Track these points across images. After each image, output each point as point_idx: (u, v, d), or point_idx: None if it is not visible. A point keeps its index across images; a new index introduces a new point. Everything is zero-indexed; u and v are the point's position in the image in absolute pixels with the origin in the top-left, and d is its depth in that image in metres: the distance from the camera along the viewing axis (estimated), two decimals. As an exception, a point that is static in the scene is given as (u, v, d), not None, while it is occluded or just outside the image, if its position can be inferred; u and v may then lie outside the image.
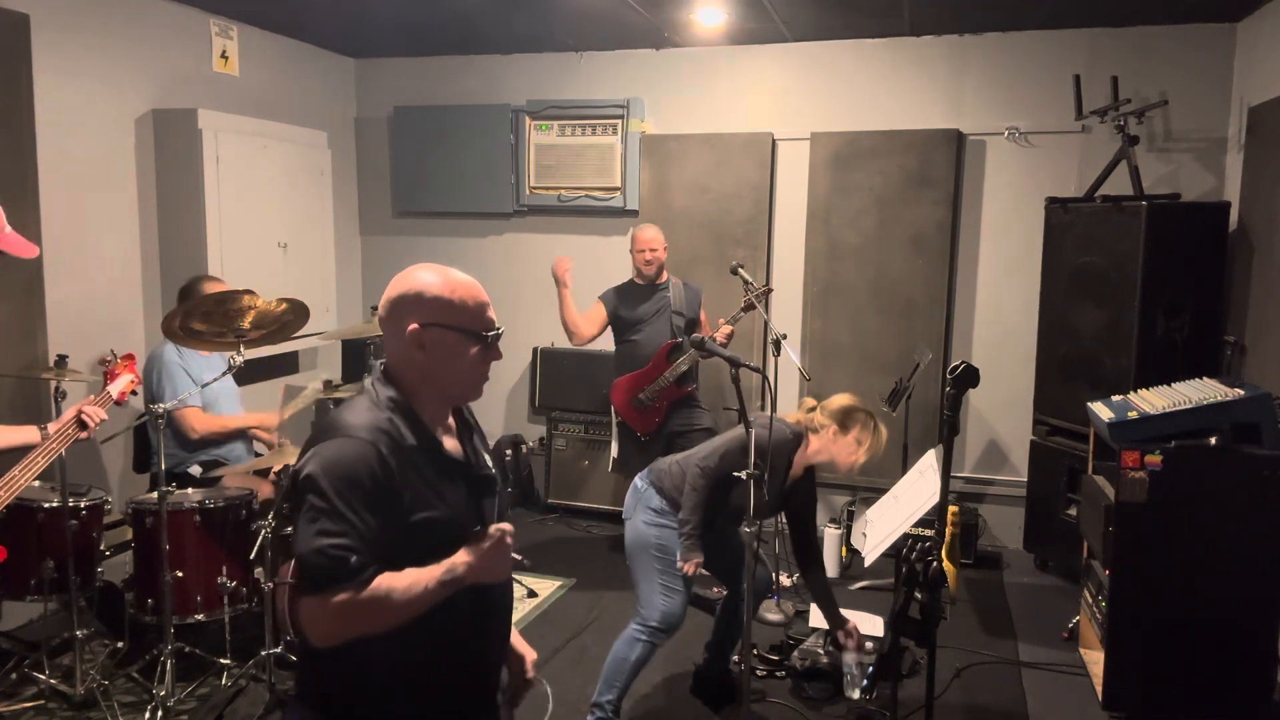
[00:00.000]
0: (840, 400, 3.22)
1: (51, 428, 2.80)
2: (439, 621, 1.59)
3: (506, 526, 1.63)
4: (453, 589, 1.57)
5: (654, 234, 4.69)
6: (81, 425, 2.93)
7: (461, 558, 1.58)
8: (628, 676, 3.04)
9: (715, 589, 4.44)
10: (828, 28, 5.07)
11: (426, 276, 1.69)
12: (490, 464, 1.83)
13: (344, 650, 1.56)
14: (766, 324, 4.49)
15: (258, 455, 4.08)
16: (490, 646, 1.76)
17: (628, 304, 4.72)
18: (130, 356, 3.17)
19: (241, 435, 4.02)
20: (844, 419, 3.15)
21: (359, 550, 1.52)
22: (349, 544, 1.52)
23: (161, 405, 3.22)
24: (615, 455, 4.98)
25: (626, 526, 3.19)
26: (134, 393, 3.16)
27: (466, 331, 1.68)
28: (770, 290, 4.61)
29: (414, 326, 1.65)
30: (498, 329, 1.72)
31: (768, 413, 3.21)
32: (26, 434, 2.78)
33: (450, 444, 1.73)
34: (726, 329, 4.40)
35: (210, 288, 3.72)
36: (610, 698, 3.04)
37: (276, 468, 3.78)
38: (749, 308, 4.43)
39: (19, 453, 2.88)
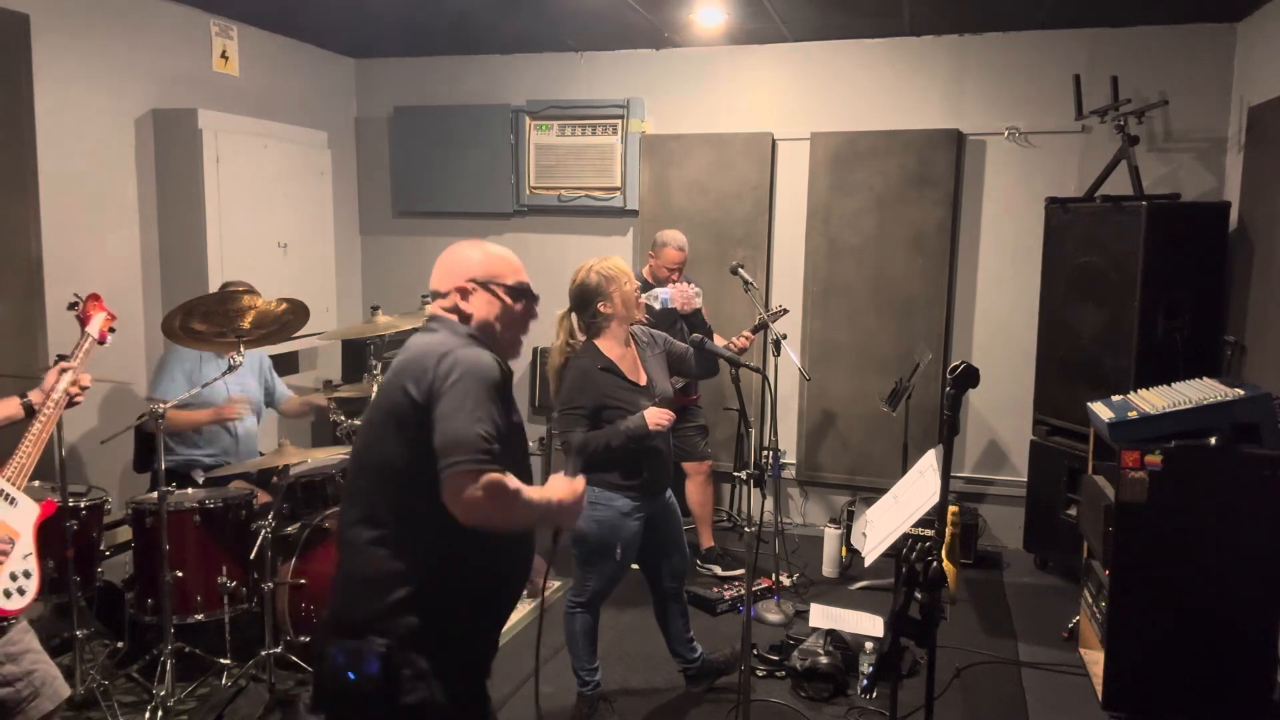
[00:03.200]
0: (571, 301, 3.21)
1: (35, 396, 2.73)
2: (495, 562, 1.91)
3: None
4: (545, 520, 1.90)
5: (684, 248, 4.60)
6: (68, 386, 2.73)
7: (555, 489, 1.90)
8: (581, 646, 3.29)
9: (715, 589, 4.45)
10: (828, 28, 5.07)
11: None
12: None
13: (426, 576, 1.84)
14: (767, 324, 4.49)
15: (261, 454, 4.08)
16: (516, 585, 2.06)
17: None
18: (96, 295, 3.01)
19: (215, 427, 3.94)
20: (595, 299, 3.12)
21: (496, 441, 1.77)
22: (493, 433, 1.77)
23: (162, 405, 3.22)
24: None
25: None
26: (112, 329, 2.97)
27: (518, 295, 2.06)
28: (785, 311, 4.61)
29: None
30: (531, 293, 2.09)
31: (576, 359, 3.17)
32: (9, 406, 2.74)
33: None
34: (745, 340, 4.41)
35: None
36: (577, 665, 3.32)
37: (280, 466, 3.78)
38: (761, 327, 4.44)
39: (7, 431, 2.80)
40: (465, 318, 1.98)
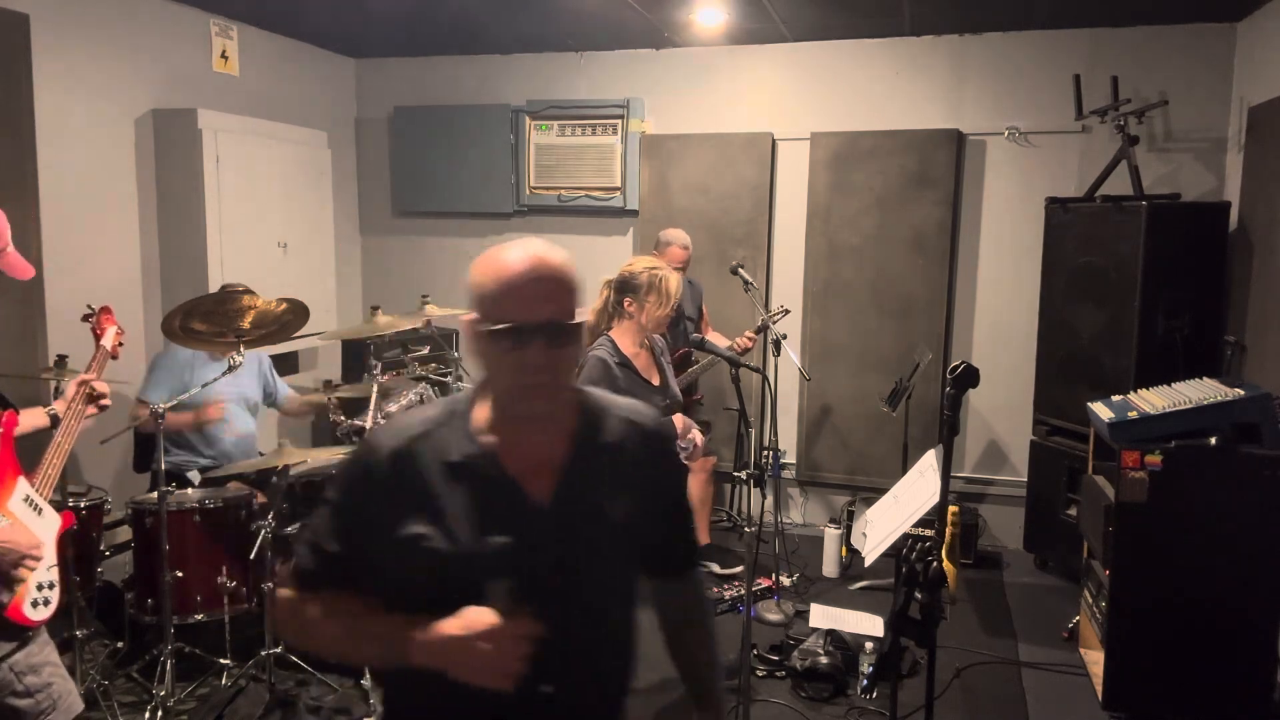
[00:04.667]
0: (611, 284, 3.22)
1: (59, 406, 2.78)
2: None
3: (512, 627, 1.26)
4: (402, 661, 1.31)
5: (688, 246, 4.63)
6: (90, 399, 2.76)
7: (422, 631, 1.28)
8: None
9: (714, 588, 4.45)
10: (828, 28, 5.07)
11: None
12: (599, 508, 1.42)
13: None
14: (768, 326, 4.50)
15: (261, 455, 4.08)
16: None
17: None
18: (107, 309, 3.09)
19: (198, 431, 3.90)
20: (628, 291, 3.14)
21: (318, 555, 1.42)
22: (312, 543, 1.43)
23: (161, 405, 3.22)
24: None
25: None
26: (121, 343, 3.05)
27: (483, 325, 1.33)
28: (787, 311, 4.63)
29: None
30: (515, 321, 1.29)
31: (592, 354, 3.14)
32: (36, 417, 2.77)
33: (517, 466, 1.38)
34: (748, 341, 4.40)
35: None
36: None
37: (279, 466, 3.78)
38: (763, 328, 4.45)
39: (32, 439, 2.81)
40: None
